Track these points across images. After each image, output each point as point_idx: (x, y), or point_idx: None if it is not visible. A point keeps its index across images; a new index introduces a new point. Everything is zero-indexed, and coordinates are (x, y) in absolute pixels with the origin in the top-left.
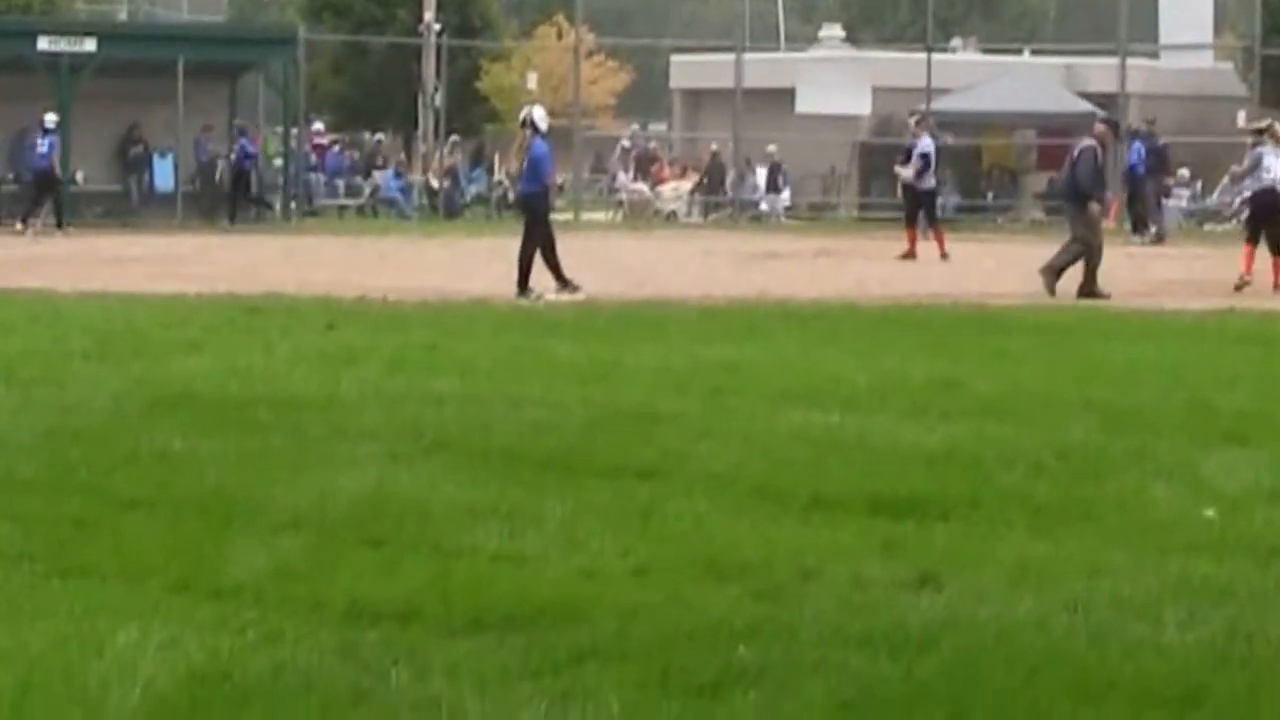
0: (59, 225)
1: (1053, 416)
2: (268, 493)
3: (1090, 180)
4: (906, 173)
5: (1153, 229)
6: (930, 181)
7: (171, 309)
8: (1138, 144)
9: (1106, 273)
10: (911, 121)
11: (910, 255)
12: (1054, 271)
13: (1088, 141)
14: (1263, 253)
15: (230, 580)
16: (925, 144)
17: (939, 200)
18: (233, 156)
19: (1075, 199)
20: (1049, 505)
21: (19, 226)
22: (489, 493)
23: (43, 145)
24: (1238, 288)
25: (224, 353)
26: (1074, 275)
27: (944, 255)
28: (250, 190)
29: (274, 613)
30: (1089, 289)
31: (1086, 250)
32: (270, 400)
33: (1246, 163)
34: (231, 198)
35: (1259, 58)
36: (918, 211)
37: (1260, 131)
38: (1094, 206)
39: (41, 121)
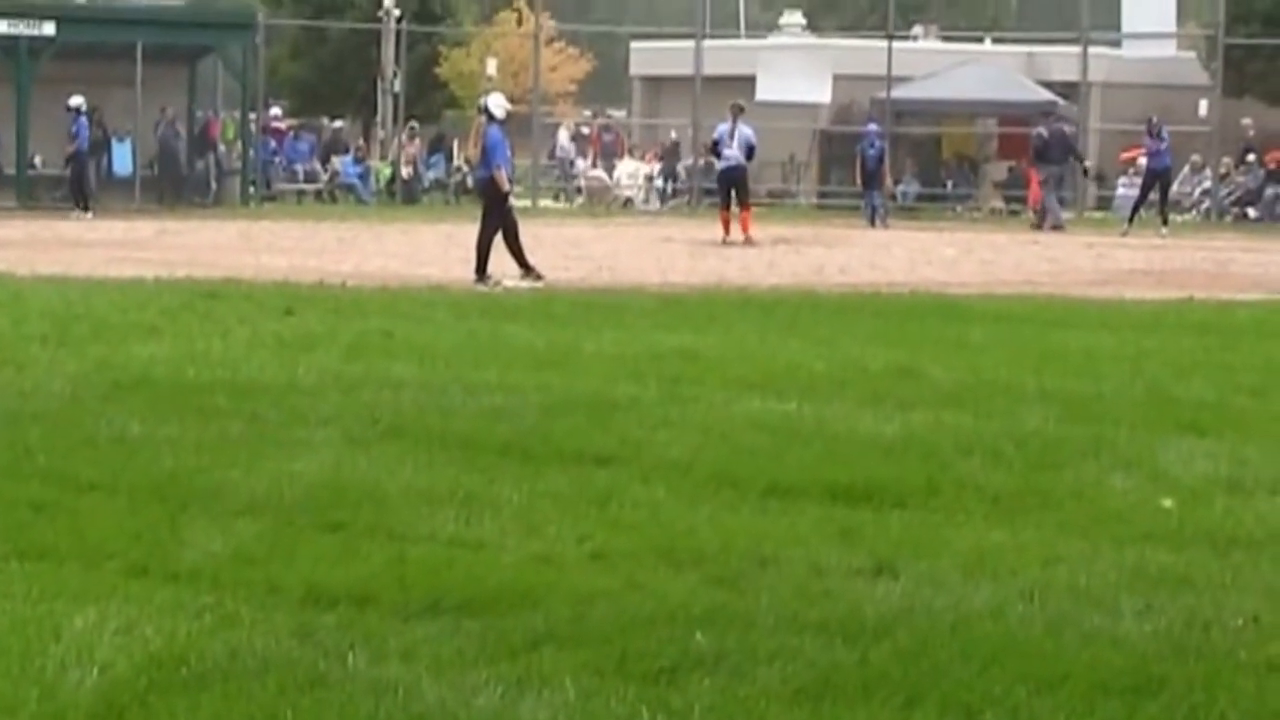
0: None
1: (1010, 405)
2: (225, 477)
3: None
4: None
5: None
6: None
7: (130, 293)
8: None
9: (1064, 262)
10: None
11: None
12: None
13: None
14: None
15: (187, 564)
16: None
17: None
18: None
19: None
20: (1006, 494)
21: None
22: (446, 478)
23: (75, 127)
24: None
25: (182, 337)
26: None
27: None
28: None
29: (231, 597)
30: None
31: None
32: (228, 385)
33: None
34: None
35: (1222, 46)
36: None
37: None
38: None
39: (67, 104)
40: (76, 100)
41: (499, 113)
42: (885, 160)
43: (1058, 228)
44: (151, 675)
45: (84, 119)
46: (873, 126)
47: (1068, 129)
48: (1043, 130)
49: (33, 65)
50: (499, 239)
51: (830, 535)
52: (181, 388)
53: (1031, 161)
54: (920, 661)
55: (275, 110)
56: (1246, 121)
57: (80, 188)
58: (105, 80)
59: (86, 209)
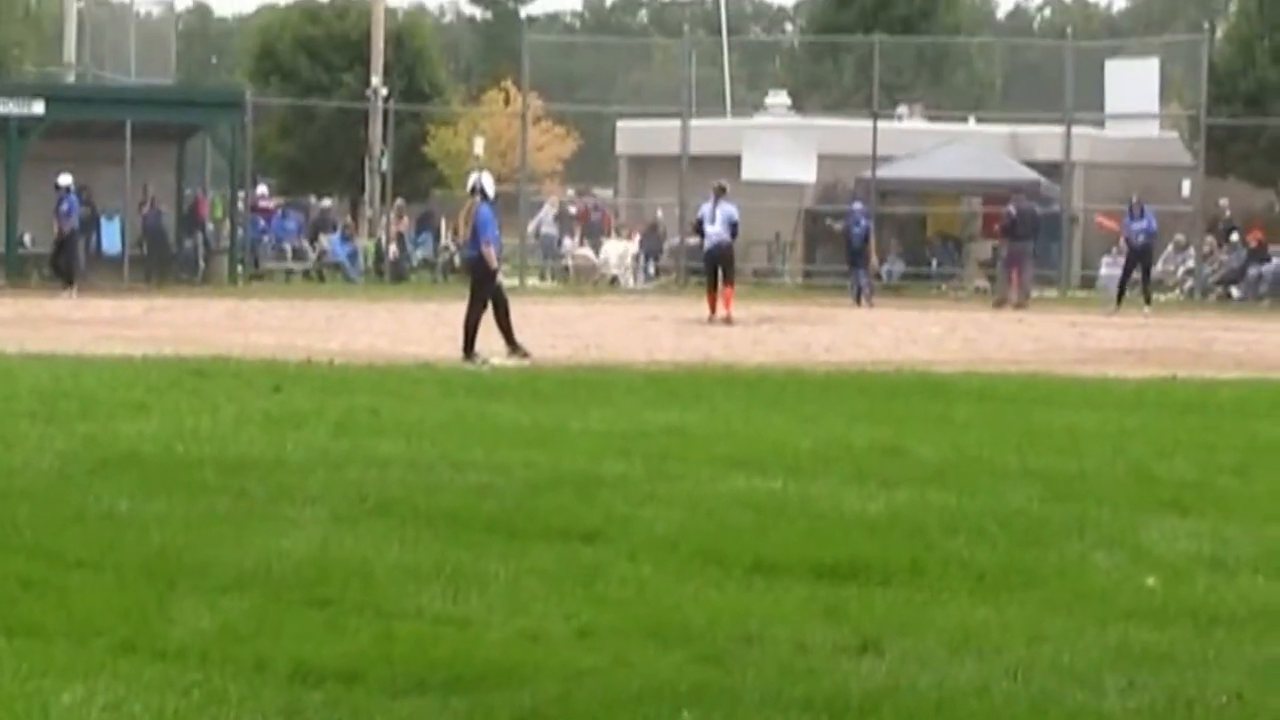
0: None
1: (995, 483)
2: (213, 554)
3: None
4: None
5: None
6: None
7: (118, 371)
8: (1148, 217)
9: (1048, 340)
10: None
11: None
12: None
13: None
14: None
15: (175, 641)
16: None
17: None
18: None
19: None
20: (990, 571)
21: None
22: (432, 555)
23: (65, 205)
24: None
25: (170, 414)
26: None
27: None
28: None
29: (219, 674)
30: None
31: None
32: (216, 462)
33: None
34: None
35: (1204, 127)
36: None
37: None
38: None
39: (56, 183)
40: (65, 179)
41: (489, 191)
42: (870, 239)
43: (1020, 306)
44: None
45: (73, 197)
46: (858, 205)
47: (1037, 208)
48: (1011, 208)
49: (22, 144)
50: (489, 316)
51: (815, 612)
52: (170, 464)
53: (1000, 238)
54: None
55: (262, 189)
56: (1223, 202)
57: (68, 266)
58: (94, 159)
59: (70, 285)
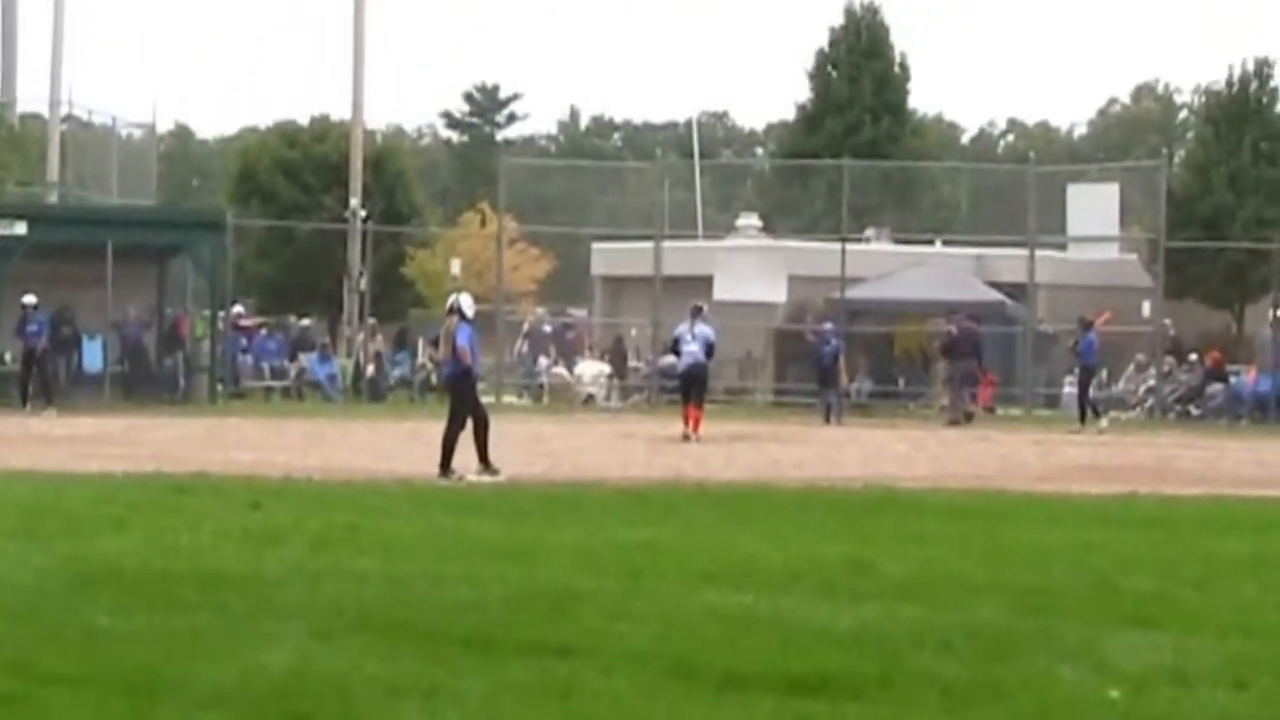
0: (47, 403)
1: (962, 597)
2: (192, 669)
3: None
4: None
5: (960, 410)
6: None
7: (99, 487)
8: (1091, 337)
9: (1012, 457)
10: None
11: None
12: None
13: None
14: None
15: None
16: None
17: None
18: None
19: None
20: (958, 685)
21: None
22: (410, 670)
23: (33, 324)
24: None
25: (150, 530)
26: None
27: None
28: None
29: None
30: None
31: None
32: (196, 577)
33: None
34: (23, 380)
35: (1163, 250)
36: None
37: None
38: None
39: (21, 302)
40: (30, 299)
41: (469, 312)
42: (840, 358)
43: (956, 422)
44: None
45: (41, 316)
46: (828, 325)
47: (977, 327)
48: (953, 328)
49: (4, 264)
50: (465, 434)
51: None
52: (149, 580)
53: (942, 357)
54: None
55: (238, 308)
56: (1166, 322)
57: (44, 385)
58: (77, 278)
59: (49, 403)
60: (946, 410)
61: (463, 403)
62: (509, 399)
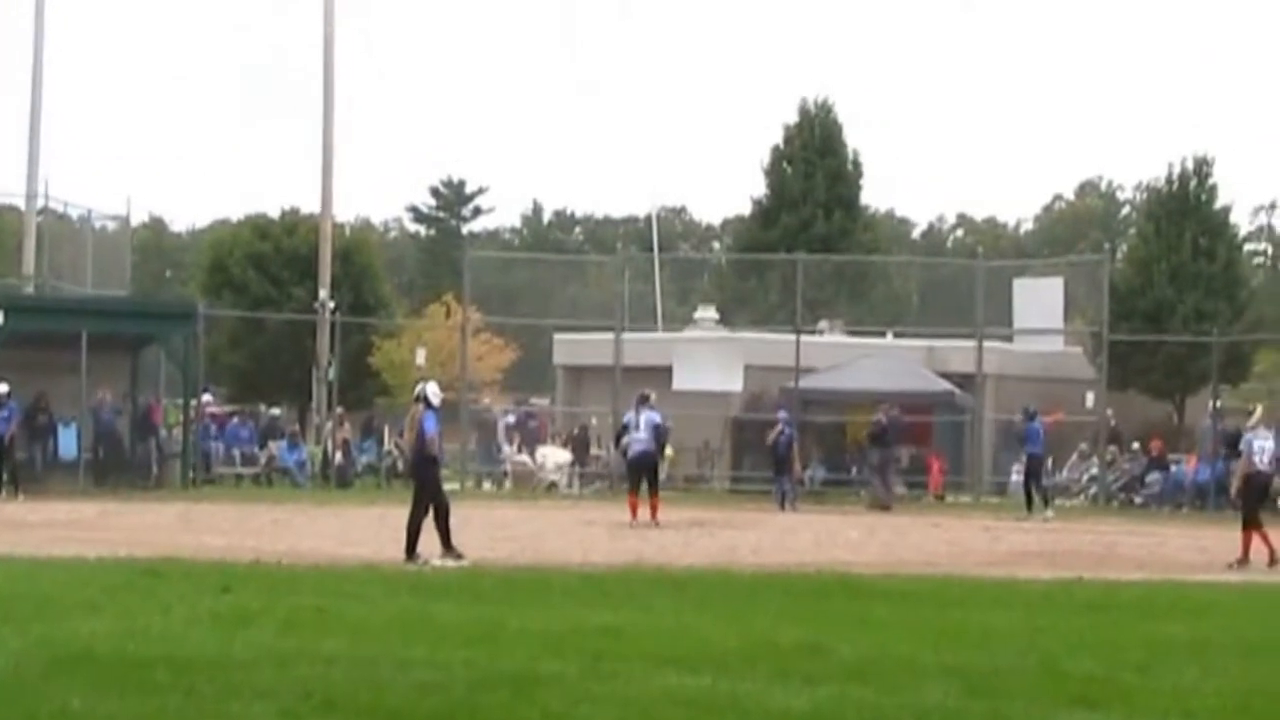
0: (15, 490)
1: (913, 680)
2: None
3: None
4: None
5: (881, 496)
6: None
7: (72, 571)
8: (1035, 426)
9: (962, 544)
10: None
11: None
12: None
13: None
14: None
15: None
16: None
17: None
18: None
19: None
20: None
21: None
22: None
23: (4, 411)
24: (1232, 566)
25: (123, 614)
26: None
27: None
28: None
29: None
30: None
31: None
32: (167, 660)
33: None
34: None
35: (1106, 342)
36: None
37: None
38: None
39: None
40: (1, 387)
41: (435, 400)
42: (794, 446)
43: (887, 507)
44: None
45: (12, 404)
46: (782, 414)
47: (903, 418)
48: (882, 417)
49: None
50: (429, 520)
51: None
52: (122, 663)
53: (871, 444)
54: None
55: (207, 396)
56: (1109, 412)
57: (11, 472)
58: (52, 367)
59: (15, 491)
60: (873, 495)
61: (425, 488)
62: (472, 485)
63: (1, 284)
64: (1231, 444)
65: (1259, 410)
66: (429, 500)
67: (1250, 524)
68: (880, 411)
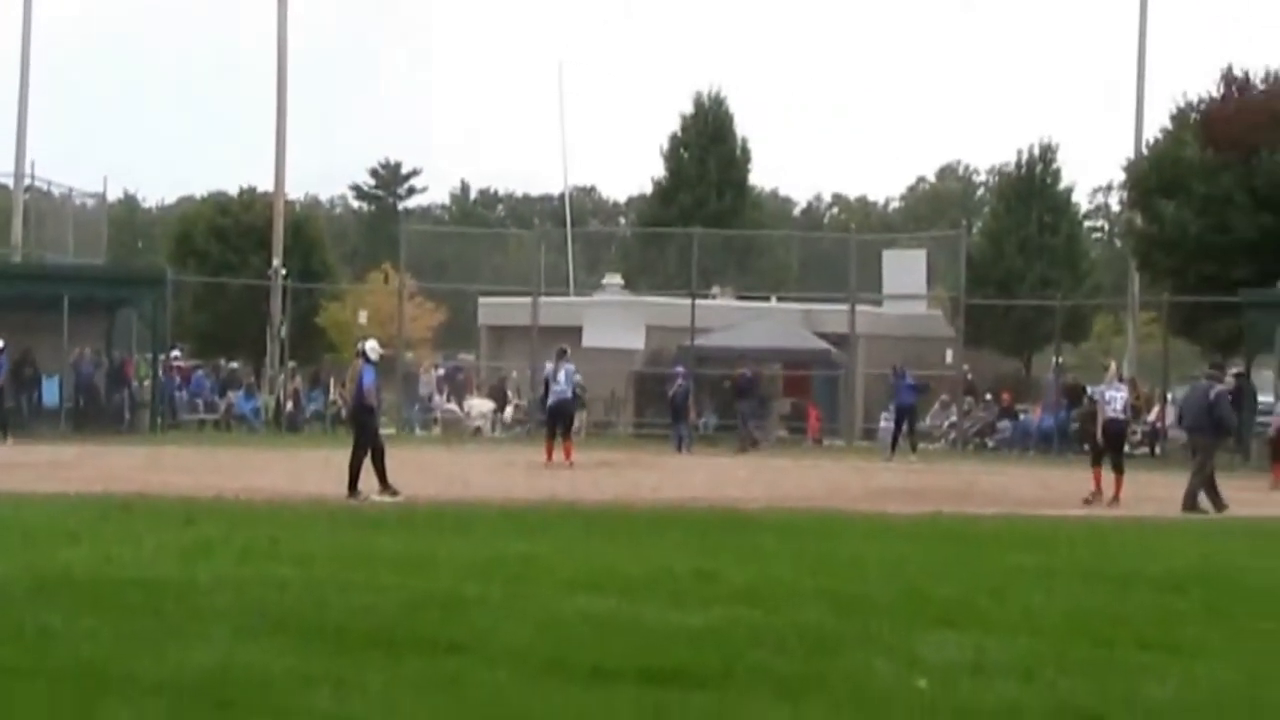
0: (5, 434)
1: (793, 602)
2: (134, 664)
3: (1230, 419)
4: None
5: (745, 441)
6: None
7: (55, 506)
8: (906, 381)
9: (836, 482)
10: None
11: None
12: (1193, 496)
13: (1220, 388)
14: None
15: None
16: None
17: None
18: None
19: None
20: (789, 677)
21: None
22: (321, 664)
23: None
24: (1086, 501)
25: (99, 543)
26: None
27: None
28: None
29: None
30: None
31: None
32: (137, 584)
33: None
34: None
35: (963, 306)
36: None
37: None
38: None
39: None
40: None
41: (374, 356)
42: (690, 397)
43: (755, 445)
44: None
45: (3, 358)
46: (680, 369)
47: (764, 373)
48: (746, 371)
49: None
50: (368, 461)
51: (644, 712)
52: (97, 586)
53: (737, 398)
54: None
55: (175, 352)
56: (966, 368)
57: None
58: (36, 327)
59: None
60: (740, 438)
61: (364, 434)
62: (407, 432)
63: None
64: (1073, 396)
65: (1113, 367)
66: (367, 444)
67: (1099, 463)
68: (744, 368)
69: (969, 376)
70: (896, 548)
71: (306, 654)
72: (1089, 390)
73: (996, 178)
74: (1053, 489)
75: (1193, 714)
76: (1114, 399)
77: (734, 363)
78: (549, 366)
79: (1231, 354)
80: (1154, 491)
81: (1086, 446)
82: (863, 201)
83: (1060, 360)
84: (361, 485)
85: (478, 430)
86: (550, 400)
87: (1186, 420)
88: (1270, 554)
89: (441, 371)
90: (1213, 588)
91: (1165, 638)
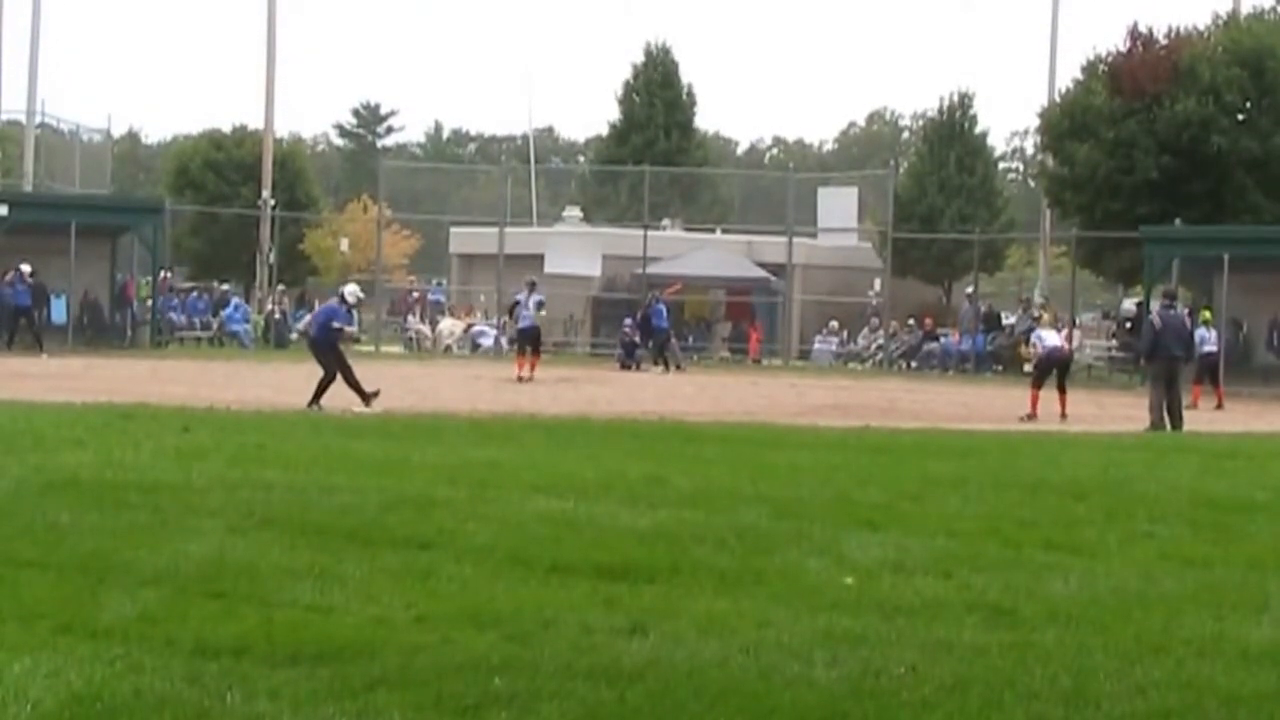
0: (40, 348)
1: (733, 505)
2: (134, 556)
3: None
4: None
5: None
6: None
7: (62, 414)
8: (660, 305)
9: (774, 398)
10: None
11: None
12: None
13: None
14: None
15: (103, 624)
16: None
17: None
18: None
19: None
20: (729, 573)
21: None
22: (304, 558)
23: (23, 287)
24: (1021, 420)
25: (102, 448)
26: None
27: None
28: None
29: (137, 649)
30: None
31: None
32: (137, 485)
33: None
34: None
35: (890, 239)
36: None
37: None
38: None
39: (19, 270)
40: (26, 267)
41: (350, 299)
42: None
43: (680, 368)
44: (73, 710)
45: (27, 280)
46: (654, 295)
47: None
48: (656, 295)
49: None
50: (332, 377)
51: (597, 603)
52: (101, 487)
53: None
54: (665, 700)
55: (164, 273)
56: (881, 292)
57: (29, 330)
58: (46, 250)
59: (41, 348)
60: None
61: (326, 361)
62: (385, 349)
63: (6, 184)
64: (989, 322)
65: (1045, 316)
66: (333, 369)
67: (1038, 386)
68: (662, 294)
69: (875, 301)
70: (828, 457)
71: (291, 549)
72: (1031, 335)
73: (920, 123)
74: (969, 406)
75: (1093, 607)
76: (1042, 338)
77: (683, 289)
78: (520, 295)
79: (1131, 284)
80: (1080, 410)
81: (1028, 368)
82: (800, 143)
83: (976, 289)
84: (336, 400)
85: (448, 348)
86: (521, 324)
87: (1175, 348)
88: (1165, 466)
89: (415, 294)
90: (1111, 495)
91: (1068, 539)
